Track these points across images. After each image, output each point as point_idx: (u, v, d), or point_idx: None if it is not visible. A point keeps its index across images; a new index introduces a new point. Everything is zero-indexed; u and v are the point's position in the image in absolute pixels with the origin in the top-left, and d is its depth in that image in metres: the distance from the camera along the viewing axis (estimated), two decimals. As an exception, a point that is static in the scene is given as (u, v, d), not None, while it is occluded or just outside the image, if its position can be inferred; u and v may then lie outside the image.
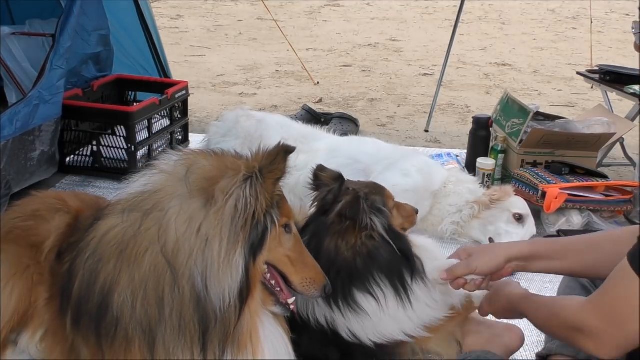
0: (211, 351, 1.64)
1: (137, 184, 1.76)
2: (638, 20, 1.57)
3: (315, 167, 2.19)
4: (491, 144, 3.93)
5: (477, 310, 2.13)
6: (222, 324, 1.63)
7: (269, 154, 1.68)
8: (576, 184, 3.40)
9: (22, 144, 3.30)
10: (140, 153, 3.89)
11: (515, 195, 3.30)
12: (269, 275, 1.75)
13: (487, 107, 5.67)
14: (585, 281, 2.16)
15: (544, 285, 2.93)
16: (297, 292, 1.78)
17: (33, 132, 3.37)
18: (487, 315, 2.09)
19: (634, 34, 1.55)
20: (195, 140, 4.29)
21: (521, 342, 2.23)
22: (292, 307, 1.79)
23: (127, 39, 4.75)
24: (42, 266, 1.99)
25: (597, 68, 4.70)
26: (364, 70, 7.50)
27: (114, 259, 1.68)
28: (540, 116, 4.09)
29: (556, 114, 4.31)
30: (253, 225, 1.64)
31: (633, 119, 4.35)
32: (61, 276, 1.87)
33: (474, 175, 3.61)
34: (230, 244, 1.61)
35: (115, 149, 3.84)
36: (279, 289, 1.77)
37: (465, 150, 4.11)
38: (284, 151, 1.68)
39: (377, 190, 2.13)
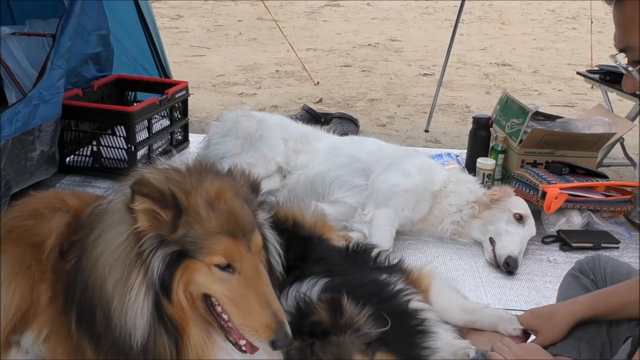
0: None
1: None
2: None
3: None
4: (491, 144, 3.93)
5: None
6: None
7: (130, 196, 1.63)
8: (576, 184, 3.40)
9: (22, 143, 3.30)
10: (140, 153, 3.89)
11: (515, 195, 3.30)
12: (219, 309, 1.66)
13: (487, 107, 5.67)
14: (586, 281, 2.16)
15: (544, 285, 2.93)
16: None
17: (33, 132, 3.37)
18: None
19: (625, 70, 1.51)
20: (195, 140, 4.30)
21: (522, 342, 2.23)
22: (244, 348, 1.66)
23: (127, 39, 4.75)
24: (44, 265, 2.00)
25: (597, 68, 4.70)
26: (364, 70, 7.50)
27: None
28: (540, 116, 4.09)
29: (556, 114, 4.31)
30: (141, 264, 1.60)
31: (633, 119, 4.35)
32: (65, 274, 1.87)
33: (474, 175, 3.61)
34: (120, 281, 1.61)
35: (115, 149, 3.84)
36: (229, 326, 1.66)
37: (465, 150, 4.11)
38: (131, 192, 1.60)
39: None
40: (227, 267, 1.62)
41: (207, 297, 1.66)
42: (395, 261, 2.44)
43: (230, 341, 1.67)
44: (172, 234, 1.60)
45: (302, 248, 2.23)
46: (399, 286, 2.11)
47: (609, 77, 4.40)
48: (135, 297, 1.60)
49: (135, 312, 1.61)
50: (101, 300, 1.67)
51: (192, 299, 1.66)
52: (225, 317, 1.66)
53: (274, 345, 1.60)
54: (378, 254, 2.39)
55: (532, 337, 2.16)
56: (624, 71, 1.62)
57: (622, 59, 1.63)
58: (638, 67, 1.57)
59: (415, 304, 2.07)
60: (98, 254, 1.69)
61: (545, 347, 2.04)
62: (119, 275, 1.62)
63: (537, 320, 2.12)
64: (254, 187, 1.82)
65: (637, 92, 4.13)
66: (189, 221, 1.61)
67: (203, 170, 1.75)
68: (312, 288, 1.98)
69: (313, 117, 4.88)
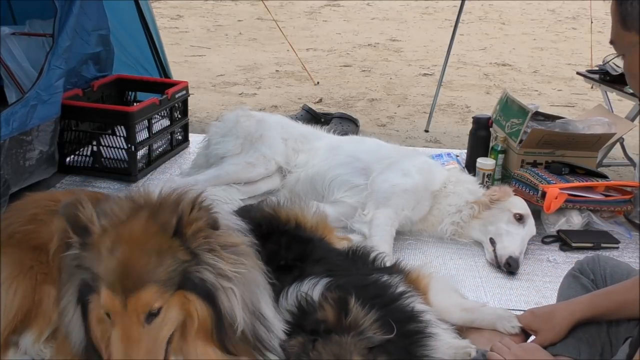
0: None
1: None
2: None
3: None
4: (491, 144, 3.93)
5: None
6: None
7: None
8: (576, 184, 3.40)
9: (20, 143, 3.30)
10: (140, 153, 3.89)
11: (515, 195, 3.29)
12: None
13: (487, 107, 5.67)
14: (586, 281, 2.17)
15: (544, 285, 2.93)
16: None
17: (31, 132, 3.37)
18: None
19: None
20: (196, 141, 4.29)
21: (522, 342, 2.23)
22: None
23: (127, 38, 4.75)
24: (48, 266, 2.00)
25: (597, 68, 4.70)
26: (364, 70, 7.50)
27: None
28: (540, 116, 4.09)
29: (556, 114, 4.31)
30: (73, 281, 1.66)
31: (633, 119, 4.35)
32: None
33: (474, 175, 3.61)
34: (59, 293, 1.68)
35: (115, 149, 3.84)
36: None
37: (465, 150, 4.11)
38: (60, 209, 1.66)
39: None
40: (107, 315, 1.59)
41: None
42: (393, 262, 2.44)
43: None
44: (80, 260, 1.63)
45: (302, 248, 2.23)
46: (401, 288, 2.11)
47: (609, 77, 4.40)
48: (68, 305, 1.67)
49: (70, 320, 1.67)
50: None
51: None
52: None
53: None
54: (376, 257, 2.39)
55: (532, 337, 2.16)
56: (613, 68, 1.72)
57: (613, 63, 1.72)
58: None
59: (417, 306, 2.07)
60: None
61: (545, 347, 2.04)
62: (63, 280, 1.71)
63: (536, 320, 2.12)
64: (183, 223, 1.60)
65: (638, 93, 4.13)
66: (90, 257, 1.59)
67: (144, 207, 1.65)
68: (313, 288, 1.98)
69: (313, 117, 4.88)
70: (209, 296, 1.61)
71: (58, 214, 1.89)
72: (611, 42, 1.70)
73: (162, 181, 3.79)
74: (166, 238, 1.58)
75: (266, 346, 1.74)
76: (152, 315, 1.56)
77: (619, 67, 1.65)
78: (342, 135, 3.98)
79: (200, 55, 7.87)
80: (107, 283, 1.54)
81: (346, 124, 4.96)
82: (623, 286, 2.01)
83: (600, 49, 7.42)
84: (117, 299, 1.53)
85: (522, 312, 2.27)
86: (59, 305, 1.95)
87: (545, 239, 3.34)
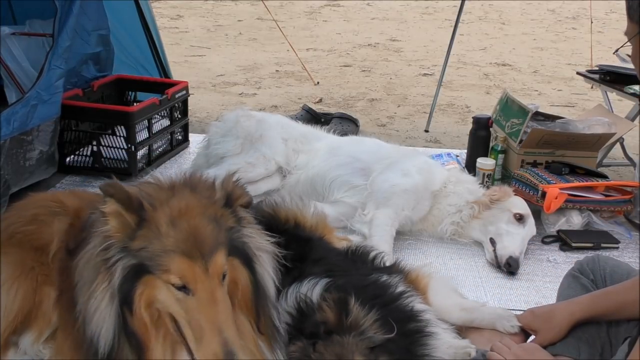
0: None
1: None
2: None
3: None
4: (491, 144, 3.93)
5: None
6: None
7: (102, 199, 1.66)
8: (576, 184, 3.40)
9: (20, 143, 3.30)
10: (140, 153, 3.89)
11: (515, 195, 3.30)
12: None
13: (487, 107, 5.67)
14: (586, 281, 2.17)
15: (544, 285, 2.93)
16: None
17: (31, 132, 3.37)
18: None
19: None
20: (196, 141, 4.30)
21: (522, 342, 2.23)
22: None
23: (127, 38, 4.75)
24: (48, 267, 2.00)
25: (597, 68, 4.70)
26: (364, 70, 7.50)
27: None
28: (540, 116, 4.09)
29: (556, 114, 4.31)
30: (105, 272, 1.61)
31: (633, 119, 4.34)
32: (74, 271, 1.87)
33: (474, 175, 3.61)
34: (89, 287, 1.63)
35: (115, 149, 3.84)
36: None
37: (465, 150, 4.11)
38: (103, 195, 1.62)
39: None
40: (183, 288, 1.60)
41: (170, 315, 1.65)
42: (393, 262, 2.44)
43: (192, 358, 1.62)
44: (131, 243, 1.60)
45: (302, 248, 2.23)
46: (401, 288, 2.11)
47: (609, 77, 4.40)
48: (99, 303, 1.61)
49: (99, 318, 1.61)
50: (77, 304, 1.70)
51: (159, 316, 1.65)
52: None
53: None
54: (375, 256, 2.39)
55: (532, 337, 2.17)
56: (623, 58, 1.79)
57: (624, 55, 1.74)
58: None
59: (417, 306, 2.08)
60: (78, 258, 1.72)
61: (545, 347, 2.04)
62: (87, 280, 1.64)
63: (536, 319, 2.12)
64: (232, 198, 1.74)
65: (637, 92, 4.14)
66: (148, 235, 1.60)
67: (179, 185, 1.72)
68: (312, 288, 1.98)
69: (313, 117, 4.88)
70: (249, 263, 1.73)
71: (89, 201, 1.95)
72: (625, 33, 1.75)
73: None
74: (218, 208, 1.69)
75: (277, 338, 1.80)
76: (223, 277, 1.64)
77: (628, 55, 1.71)
78: (342, 135, 3.98)
79: (200, 55, 7.87)
80: (183, 252, 1.58)
81: (346, 124, 4.96)
82: (623, 286, 2.01)
83: (600, 49, 7.43)
84: (197, 265, 1.59)
85: (522, 312, 2.27)
86: (60, 307, 1.95)
87: (545, 239, 3.34)
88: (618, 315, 2.00)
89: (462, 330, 2.25)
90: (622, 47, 1.72)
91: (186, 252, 1.59)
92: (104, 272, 1.61)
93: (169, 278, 1.59)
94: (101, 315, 1.61)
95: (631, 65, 1.72)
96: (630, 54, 1.74)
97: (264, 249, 1.80)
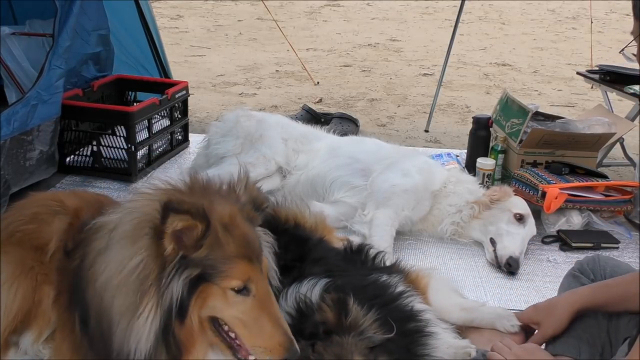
0: None
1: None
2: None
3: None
4: (491, 144, 3.93)
5: None
6: None
7: (157, 212, 1.61)
8: (576, 184, 3.40)
9: (20, 143, 3.30)
10: (140, 153, 3.89)
11: (515, 195, 3.30)
12: (226, 327, 1.70)
13: (487, 107, 5.67)
14: (586, 281, 2.17)
15: (544, 285, 2.93)
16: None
17: (31, 132, 3.37)
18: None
19: None
20: (196, 141, 4.30)
21: (522, 342, 2.23)
22: None
23: (128, 38, 4.75)
24: (47, 267, 2.00)
25: (597, 68, 4.70)
26: (364, 70, 7.50)
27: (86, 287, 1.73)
28: (540, 116, 4.09)
29: (556, 114, 4.31)
30: (158, 288, 1.60)
31: (633, 119, 4.35)
32: (71, 272, 1.87)
33: (474, 175, 3.61)
34: (131, 305, 1.61)
35: (115, 149, 3.84)
36: (237, 344, 1.70)
37: (465, 150, 4.11)
38: (164, 211, 1.58)
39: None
40: (242, 291, 1.65)
41: (214, 318, 1.68)
42: (393, 261, 2.44)
43: (239, 359, 1.70)
44: (195, 253, 1.61)
45: (301, 249, 2.23)
46: (400, 288, 2.11)
47: (609, 77, 4.40)
48: (144, 323, 1.61)
49: (140, 336, 1.61)
50: (102, 321, 1.67)
51: (200, 321, 1.67)
52: (232, 335, 1.70)
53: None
54: (376, 255, 2.39)
55: (530, 339, 2.17)
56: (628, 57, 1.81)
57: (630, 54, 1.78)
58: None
59: (417, 306, 2.07)
60: (104, 275, 1.67)
61: (547, 341, 2.05)
62: (128, 301, 1.62)
63: (538, 313, 2.14)
64: (257, 203, 1.82)
65: (637, 92, 4.14)
66: (211, 243, 1.63)
67: (205, 189, 1.75)
68: (312, 289, 1.98)
69: (313, 117, 4.88)
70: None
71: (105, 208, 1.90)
72: (631, 32, 1.76)
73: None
74: (250, 210, 1.77)
75: None
76: None
77: (634, 54, 1.74)
78: (342, 135, 3.98)
79: (200, 55, 7.87)
80: (244, 256, 1.66)
81: (346, 124, 4.96)
82: (623, 279, 2.02)
83: (600, 49, 7.43)
84: (255, 267, 1.68)
85: (521, 312, 2.27)
86: (59, 307, 1.95)
87: (545, 239, 3.35)
88: (618, 307, 2.01)
89: (462, 330, 2.25)
90: (627, 46, 1.74)
91: (246, 256, 1.66)
92: (153, 293, 1.60)
93: (230, 283, 1.64)
94: (143, 333, 1.61)
95: (635, 65, 1.73)
96: (635, 53, 1.74)
97: (270, 248, 1.89)
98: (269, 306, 1.69)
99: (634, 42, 1.76)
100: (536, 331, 2.16)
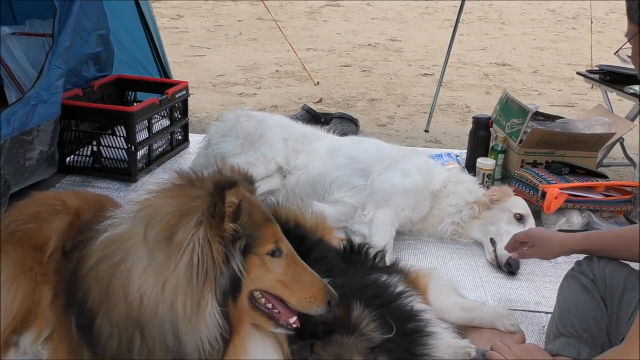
0: None
1: (120, 218, 1.74)
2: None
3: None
4: (491, 144, 3.93)
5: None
6: None
7: (211, 195, 1.60)
8: (576, 184, 3.40)
9: (20, 143, 3.30)
10: (140, 153, 3.89)
11: (515, 195, 3.30)
12: (263, 300, 1.71)
13: (487, 107, 5.67)
14: (585, 281, 2.17)
15: (544, 286, 2.93)
16: (299, 311, 1.73)
17: (31, 132, 3.37)
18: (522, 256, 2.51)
19: None
20: (196, 141, 4.30)
21: (522, 342, 2.23)
22: (294, 325, 1.74)
23: (128, 38, 4.75)
24: (46, 267, 1.99)
25: (597, 68, 4.70)
26: (364, 70, 7.50)
27: (100, 294, 1.68)
28: (540, 116, 4.09)
29: (556, 114, 4.31)
30: (217, 274, 1.58)
31: (633, 119, 4.35)
32: (68, 273, 1.87)
33: (474, 175, 3.61)
34: (195, 300, 1.57)
35: (115, 149, 3.84)
36: (277, 312, 1.72)
37: (465, 150, 4.11)
38: (219, 190, 1.58)
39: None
40: (275, 253, 1.69)
41: (251, 293, 1.70)
42: (392, 261, 2.44)
43: (282, 325, 1.73)
44: (243, 223, 1.64)
45: (301, 248, 2.22)
46: (400, 288, 2.11)
47: (609, 77, 4.40)
48: (210, 313, 1.59)
49: (208, 327, 1.59)
50: (150, 332, 1.61)
51: (246, 297, 1.69)
52: (269, 305, 1.72)
53: (330, 304, 1.71)
54: (376, 255, 2.39)
55: (530, 340, 2.17)
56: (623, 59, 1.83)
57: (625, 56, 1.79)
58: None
59: (416, 305, 2.07)
60: (145, 291, 1.60)
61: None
62: (190, 300, 1.58)
63: (535, 235, 2.38)
64: (249, 179, 1.88)
65: (637, 92, 4.14)
66: (245, 212, 1.67)
67: (200, 175, 1.75)
68: (312, 288, 1.98)
69: (313, 117, 4.88)
70: None
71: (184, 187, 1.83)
72: (626, 35, 1.77)
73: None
74: (246, 185, 1.81)
75: None
76: None
77: (629, 56, 1.77)
78: (342, 135, 3.98)
79: (200, 55, 7.87)
80: (268, 220, 1.72)
81: (346, 124, 4.96)
82: (614, 232, 2.31)
83: (600, 49, 7.43)
84: (277, 228, 1.75)
85: (521, 312, 2.28)
86: (56, 309, 1.94)
87: (545, 239, 3.34)
88: (607, 255, 2.18)
89: (462, 330, 2.26)
90: (621, 47, 1.74)
91: (268, 219, 1.72)
92: (210, 280, 1.58)
93: (266, 248, 1.67)
94: (210, 321, 1.59)
95: (631, 66, 1.73)
96: (630, 54, 1.75)
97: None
98: (298, 260, 1.74)
99: (628, 44, 1.77)
100: (529, 341, 2.21)
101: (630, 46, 1.75)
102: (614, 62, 4.36)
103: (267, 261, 1.68)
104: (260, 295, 1.70)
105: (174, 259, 1.58)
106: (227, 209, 1.59)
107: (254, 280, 1.67)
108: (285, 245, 1.73)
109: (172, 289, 1.58)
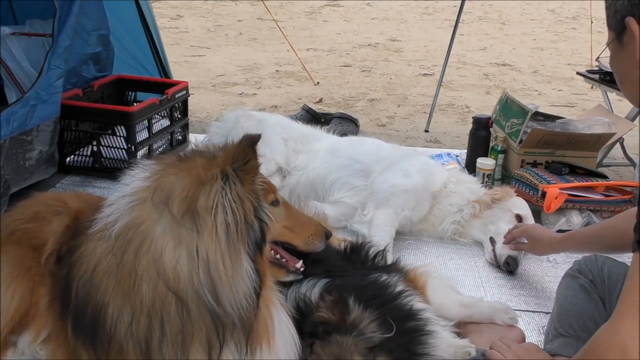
0: (228, 352, 1.61)
1: (118, 212, 1.68)
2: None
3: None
4: (491, 144, 3.93)
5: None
6: (242, 325, 1.61)
7: (237, 153, 1.62)
8: (576, 184, 3.40)
9: (20, 143, 3.30)
10: (140, 153, 3.88)
11: (516, 195, 3.30)
12: (272, 252, 1.81)
13: (487, 107, 5.68)
14: (584, 281, 2.17)
15: (544, 286, 2.93)
16: (304, 251, 1.86)
17: (31, 132, 3.37)
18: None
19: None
20: (196, 141, 4.29)
21: (522, 341, 2.23)
22: (302, 269, 1.89)
23: (128, 38, 4.75)
24: (43, 268, 1.99)
25: (597, 68, 4.70)
26: (364, 70, 7.50)
27: (110, 289, 1.64)
28: (540, 116, 4.09)
29: (556, 114, 4.31)
30: (248, 229, 1.61)
31: (633, 119, 4.35)
32: (61, 279, 1.86)
33: (474, 175, 3.61)
34: (234, 258, 1.58)
35: (116, 149, 3.84)
36: (285, 260, 1.86)
37: (465, 150, 4.11)
38: (250, 144, 1.63)
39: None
40: (274, 202, 1.77)
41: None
42: (392, 261, 2.44)
43: (292, 271, 1.88)
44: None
45: (301, 248, 2.23)
46: (400, 287, 2.11)
47: (609, 77, 4.39)
48: (247, 271, 1.60)
49: (245, 284, 1.59)
50: (188, 296, 1.58)
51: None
52: (278, 256, 1.85)
53: (326, 236, 1.89)
54: (375, 255, 2.39)
55: (530, 340, 2.17)
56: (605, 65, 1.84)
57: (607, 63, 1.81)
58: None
59: (416, 304, 2.08)
60: (180, 267, 1.58)
61: None
62: (230, 264, 1.57)
63: (528, 232, 2.72)
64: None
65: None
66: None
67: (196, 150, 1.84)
68: (311, 289, 1.98)
69: (313, 117, 4.88)
70: None
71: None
72: (607, 43, 1.75)
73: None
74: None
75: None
76: None
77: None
78: (342, 135, 3.98)
79: (200, 55, 7.87)
80: (259, 173, 1.71)
81: (346, 124, 4.96)
82: (592, 227, 2.53)
83: (600, 49, 7.39)
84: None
85: (521, 312, 2.28)
86: (53, 314, 1.92)
87: (545, 239, 3.34)
88: (592, 249, 2.35)
89: (462, 328, 2.26)
90: (601, 54, 1.76)
91: (259, 169, 1.74)
92: (243, 238, 1.59)
93: (270, 198, 1.74)
94: (245, 279, 1.59)
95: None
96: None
97: None
98: (290, 205, 1.87)
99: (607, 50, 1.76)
100: (529, 341, 2.24)
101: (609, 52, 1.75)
102: (604, 58, 4.36)
103: (271, 211, 1.72)
104: (269, 248, 1.77)
105: (204, 224, 1.57)
106: (259, 165, 1.66)
107: (271, 231, 1.73)
108: (279, 196, 1.82)
109: (208, 254, 1.56)
